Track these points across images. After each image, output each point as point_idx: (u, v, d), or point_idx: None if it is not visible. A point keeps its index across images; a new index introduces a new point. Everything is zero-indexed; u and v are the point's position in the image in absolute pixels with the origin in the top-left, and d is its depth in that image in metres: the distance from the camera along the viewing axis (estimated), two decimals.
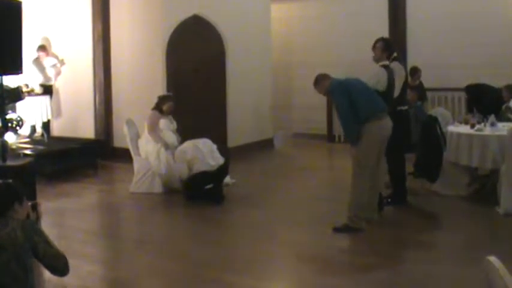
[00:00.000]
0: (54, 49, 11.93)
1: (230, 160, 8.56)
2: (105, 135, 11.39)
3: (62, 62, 11.78)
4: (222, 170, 8.31)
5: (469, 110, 10.86)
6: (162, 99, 8.87)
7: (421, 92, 10.95)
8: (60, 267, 3.59)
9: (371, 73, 7.23)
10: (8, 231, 3.41)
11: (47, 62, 11.65)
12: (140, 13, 10.92)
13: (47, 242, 3.53)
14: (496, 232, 6.70)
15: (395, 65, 7.50)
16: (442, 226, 7.28)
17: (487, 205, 7.48)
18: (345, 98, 6.42)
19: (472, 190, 8.12)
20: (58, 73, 11.82)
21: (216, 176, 8.21)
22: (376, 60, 7.36)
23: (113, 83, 11.39)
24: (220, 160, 8.31)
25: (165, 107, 8.80)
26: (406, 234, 6.81)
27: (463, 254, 5.84)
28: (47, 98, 11.42)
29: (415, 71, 10.79)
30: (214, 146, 8.49)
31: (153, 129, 8.66)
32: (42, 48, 11.67)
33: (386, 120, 6.61)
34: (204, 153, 8.17)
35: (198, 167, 8.11)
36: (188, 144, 8.37)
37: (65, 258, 3.59)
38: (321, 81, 6.81)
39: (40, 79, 11.51)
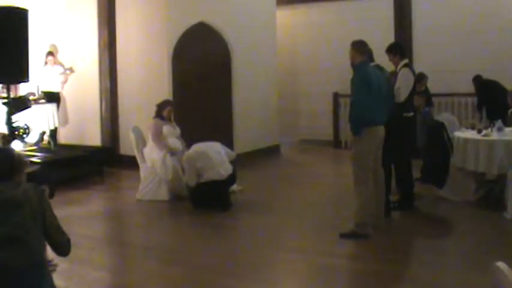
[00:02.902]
0: (60, 57, 11.98)
1: (236, 167, 8.56)
2: (111, 142, 11.41)
3: (71, 70, 11.82)
4: (230, 178, 8.30)
5: (479, 107, 10.85)
6: (161, 106, 8.89)
7: (427, 97, 10.93)
8: (63, 243, 3.54)
9: (401, 78, 7.41)
10: (23, 190, 3.39)
11: (55, 69, 11.70)
12: (146, 20, 10.95)
13: (53, 212, 3.50)
14: (504, 237, 6.65)
15: (405, 72, 7.52)
16: (449, 231, 7.26)
17: (494, 210, 7.45)
18: (364, 86, 6.41)
19: (479, 195, 8.10)
20: (65, 81, 11.86)
21: (225, 184, 8.20)
22: (396, 63, 7.61)
23: (119, 91, 11.42)
24: (230, 169, 8.29)
25: (165, 112, 8.82)
26: (414, 240, 6.80)
27: (471, 260, 5.81)
28: (53, 105, 11.45)
29: (421, 77, 10.79)
30: (224, 151, 8.44)
31: (157, 136, 8.66)
32: (50, 54, 11.72)
33: (381, 128, 6.63)
34: (214, 162, 8.11)
35: (209, 176, 8.07)
36: (197, 150, 8.29)
37: (68, 237, 3.53)
38: (358, 49, 6.63)
39: (45, 86, 11.56)
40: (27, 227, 3.28)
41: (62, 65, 11.88)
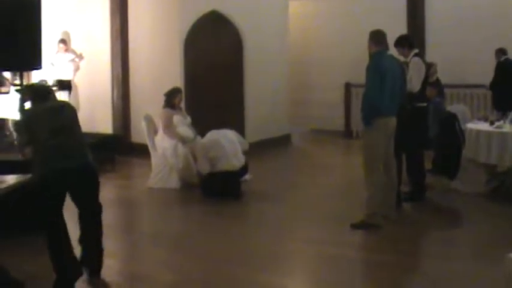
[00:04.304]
0: (73, 44, 12.00)
1: (248, 157, 8.58)
2: (123, 130, 11.43)
3: (80, 57, 11.83)
4: (243, 168, 8.32)
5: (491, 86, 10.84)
6: (170, 95, 8.87)
7: (439, 88, 10.86)
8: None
9: (413, 68, 7.35)
10: (63, 102, 5.67)
11: (66, 57, 11.72)
12: (158, 8, 10.93)
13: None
14: None
15: (416, 61, 7.47)
16: (461, 223, 7.25)
17: (505, 202, 7.44)
18: (376, 76, 6.41)
19: (491, 187, 8.06)
20: (77, 68, 11.87)
21: (237, 174, 8.22)
22: (406, 56, 7.51)
23: (130, 79, 11.43)
24: (243, 160, 8.31)
25: (176, 100, 8.83)
26: (425, 231, 6.79)
27: (483, 251, 5.80)
28: (65, 93, 11.48)
29: (429, 67, 10.71)
30: (237, 140, 8.46)
31: (168, 126, 8.68)
32: (63, 42, 11.73)
33: (393, 119, 6.63)
34: (227, 152, 8.12)
35: (222, 166, 8.08)
36: (211, 138, 8.32)
37: None
38: (373, 39, 6.68)
39: (57, 74, 11.58)
40: (71, 122, 4.93)
41: (74, 52, 11.89)
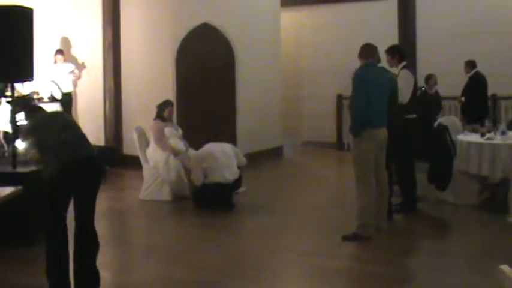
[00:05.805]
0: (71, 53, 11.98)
1: (241, 170, 8.57)
2: (114, 142, 11.41)
3: (82, 66, 11.74)
4: (236, 182, 8.31)
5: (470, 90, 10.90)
6: (161, 107, 8.86)
7: (437, 101, 10.95)
8: None
9: (402, 80, 7.35)
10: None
11: (65, 68, 11.60)
12: (150, 21, 10.95)
13: None
14: (507, 241, 6.63)
15: (405, 73, 7.51)
16: (452, 235, 7.26)
17: (497, 214, 7.45)
18: (361, 88, 6.44)
19: (482, 199, 8.09)
20: (77, 78, 11.78)
21: (229, 187, 8.21)
22: (392, 65, 7.56)
23: (122, 91, 11.43)
24: (236, 174, 8.30)
25: (166, 113, 8.82)
26: (416, 243, 6.80)
27: (474, 263, 5.80)
28: (57, 105, 11.43)
29: (428, 78, 10.80)
30: (234, 154, 8.45)
31: (160, 138, 8.66)
32: (60, 52, 11.62)
33: (382, 130, 6.64)
34: (220, 164, 8.11)
35: (214, 177, 8.08)
36: (206, 150, 8.32)
37: None
38: (360, 53, 6.74)
39: (52, 89, 11.51)
40: (72, 122, 5.31)
41: (75, 60, 11.79)
